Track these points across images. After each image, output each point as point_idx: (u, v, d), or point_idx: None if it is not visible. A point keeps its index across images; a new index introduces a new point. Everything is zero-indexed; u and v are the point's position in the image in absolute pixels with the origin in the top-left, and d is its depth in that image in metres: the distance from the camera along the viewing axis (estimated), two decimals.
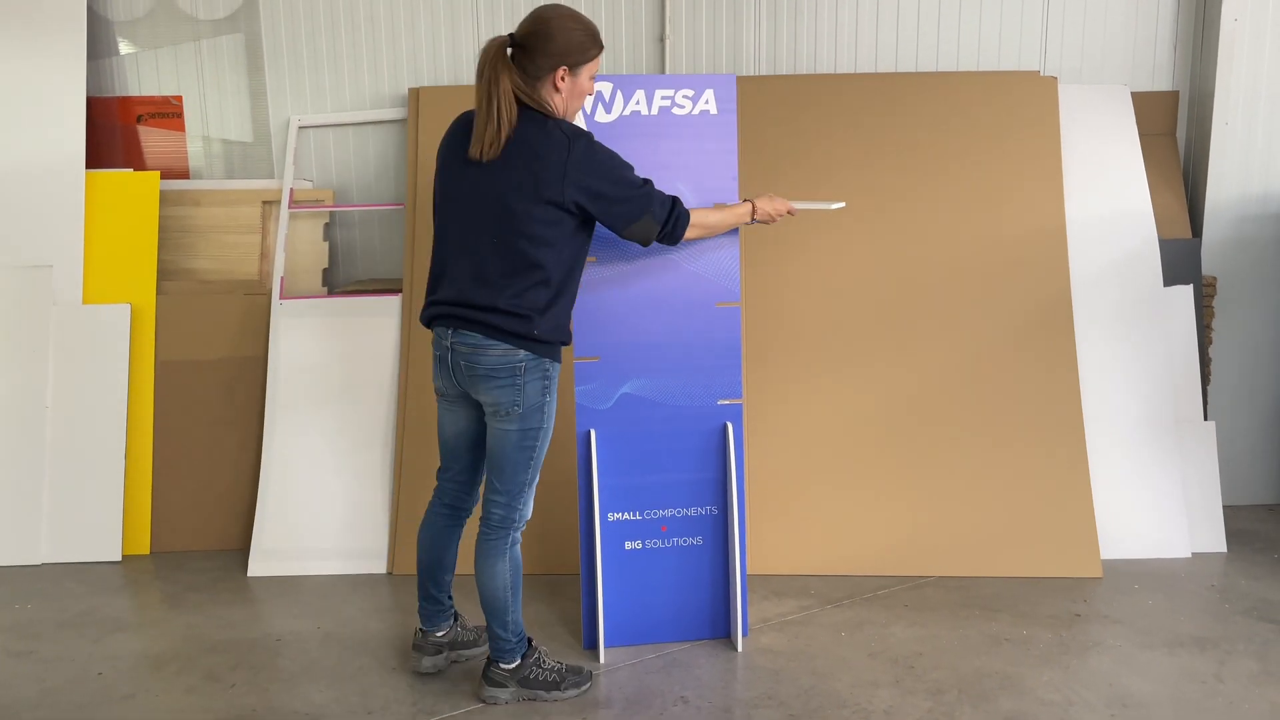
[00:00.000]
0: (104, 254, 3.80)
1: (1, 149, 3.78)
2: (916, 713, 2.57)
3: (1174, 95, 4.04)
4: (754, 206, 2.74)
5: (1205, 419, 3.78)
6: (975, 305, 3.55)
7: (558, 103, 2.45)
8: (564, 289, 2.49)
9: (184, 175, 4.12)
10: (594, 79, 2.52)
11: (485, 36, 4.00)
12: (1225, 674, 2.75)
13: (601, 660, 2.85)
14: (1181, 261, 3.81)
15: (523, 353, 2.44)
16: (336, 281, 4.14)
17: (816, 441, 3.50)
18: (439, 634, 2.79)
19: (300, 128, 4.05)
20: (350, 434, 3.66)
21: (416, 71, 4.04)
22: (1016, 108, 3.67)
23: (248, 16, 4.03)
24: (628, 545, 2.91)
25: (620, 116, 2.83)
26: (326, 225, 4.03)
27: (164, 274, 3.90)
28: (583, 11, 2.63)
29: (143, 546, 3.72)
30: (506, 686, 2.63)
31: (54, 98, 3.81)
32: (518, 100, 2.39)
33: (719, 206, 2.76)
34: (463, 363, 2.47)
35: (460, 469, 2.70)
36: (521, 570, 2.62)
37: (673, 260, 2.84)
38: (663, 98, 2.84)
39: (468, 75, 4.03)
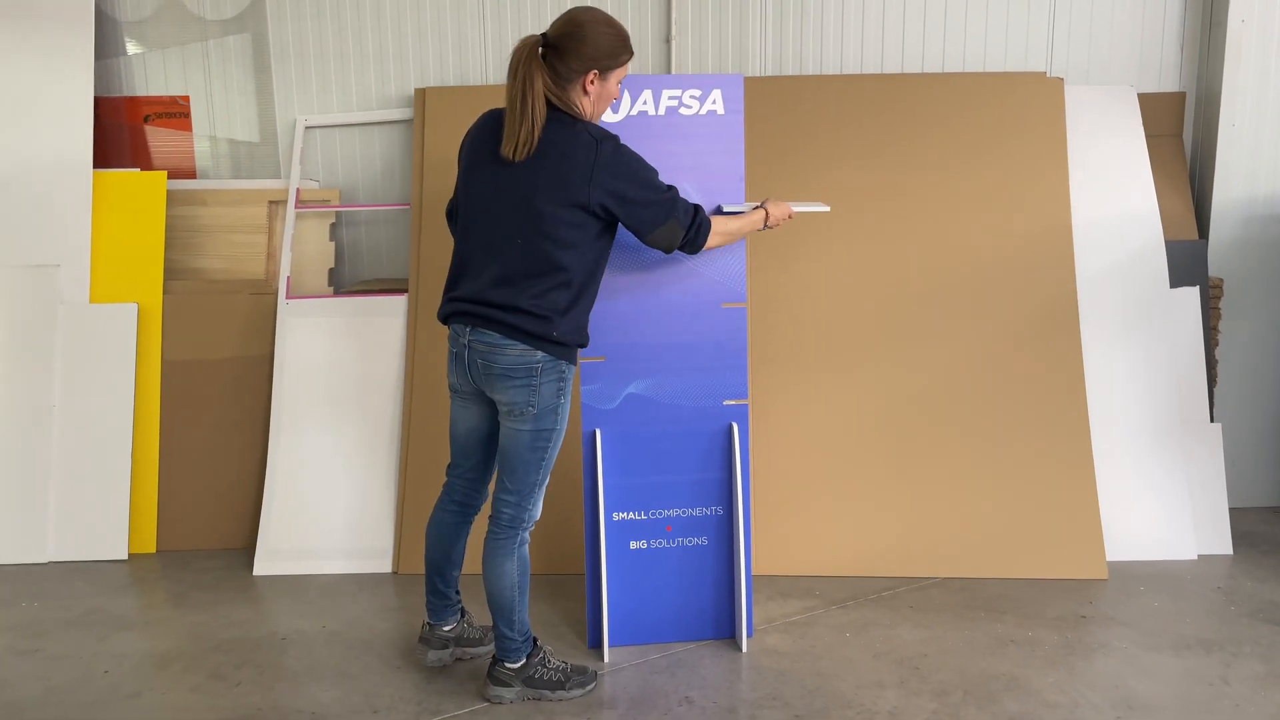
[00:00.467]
0: (111, 253, 3.81)
1: (9, 148, 3.79)
2: (922, 714, 2.57)
3: (1180, 96, 4.03)
4: (767, 213, 2.74)
5: (1211, 421, 3.77)
6: (981, 306, 3.55)
7: (585, 105, 2.45)
8: (585, 291, 2.49)
9: (191, 175, 4.13)
10: (621, 83, 2.53)
11: (492, 37, 4.01)
12: (1231, 676, 2.75)
13: (606, 660, 2.85)
14: (1188, 263, 3.80)
15: (540, 354, 2.44)
16: (343, 281, 4.15)
17: (822, 442, 3.50)
18: (445, 628, 2.79)
19: (307, 128, 4.06)
20: (356, 433, 3.66)
21: (423, 72, 4.04)
22: (1023, 108, 3.67)
23: (255, 16, 4.04)
24: (633, 545, 2.91)
25: (627, 116, 2.83)
26: (333, 225, 4.03)
27: (170, 273, 3.91)
28: None
29: (149, 545, 3.73)
30: (511, 686, 2.63)
31: (61, 97, 3.82)
32: (547, 101, 2.39)
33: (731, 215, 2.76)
34: (480, 361, 2.47)
35: (470, 466, 2.70)
36: (529, 570, 2.62)
37: (679, 261, 2.84)
38: (670, 98, 2.84)
39: (474, 76, 4.03)
